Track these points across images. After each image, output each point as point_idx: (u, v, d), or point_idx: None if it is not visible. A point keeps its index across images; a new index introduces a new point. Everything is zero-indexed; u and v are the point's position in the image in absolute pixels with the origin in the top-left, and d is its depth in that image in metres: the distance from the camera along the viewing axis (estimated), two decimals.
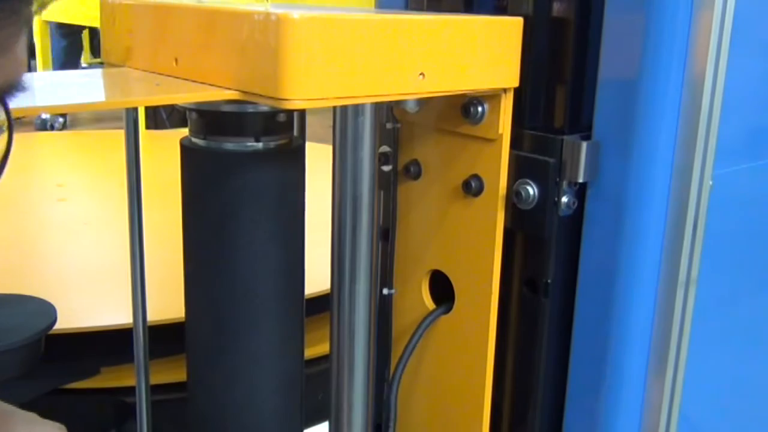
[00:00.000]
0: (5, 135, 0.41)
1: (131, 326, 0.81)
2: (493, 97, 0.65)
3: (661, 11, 0.61)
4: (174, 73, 0.61)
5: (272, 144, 0.66)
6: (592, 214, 0.67)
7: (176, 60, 0.61)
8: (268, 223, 0.67)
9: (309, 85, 0.52)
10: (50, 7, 3.80)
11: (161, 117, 4.07)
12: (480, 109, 0.66)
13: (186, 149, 0.67)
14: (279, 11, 0.52)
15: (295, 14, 0.51)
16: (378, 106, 0.65)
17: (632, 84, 0.62)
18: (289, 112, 0.67)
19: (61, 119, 4.15)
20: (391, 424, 0.80)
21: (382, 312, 0.78)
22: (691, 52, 0.62)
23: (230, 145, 0.65)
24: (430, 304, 0.76)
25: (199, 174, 0.67)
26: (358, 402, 0.71)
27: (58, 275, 1.54)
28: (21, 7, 0.36)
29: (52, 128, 4.04)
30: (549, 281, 0.69)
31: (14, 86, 0.39)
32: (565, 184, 0.66)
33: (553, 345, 0.71)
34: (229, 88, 0.56)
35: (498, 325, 0.70)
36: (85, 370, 1.23)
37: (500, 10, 0.70)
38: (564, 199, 0.66)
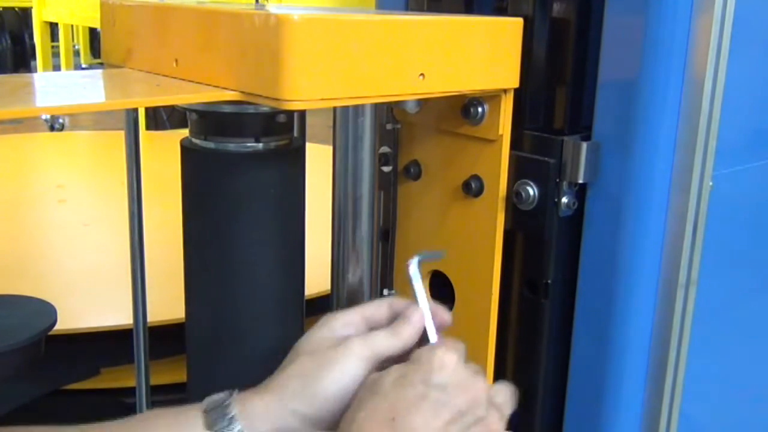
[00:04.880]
0: None
1: (131, 326, 0.81)
2: (493, 97, 0.65)
3: (661, 12, 0.61)
4: (174, 73, 0.61)
5: (272, 144, 0.66)
6: (592, 215, 0.67)
7: (176, 61, 0.61)
8: (268, 223, 0.67)
9: (309, 85, 0.52)
10: (51, 8, 3.80)
11: (161, 118, 4.08)
12: (480, 109, 0.66)
13: (186, 150, 0.67)
14: (279, 12, 0.52)
15: (295, 15, 0.51)
16: (378, 107, 0.65)
17: (632, 85, 0.62)
18: (289, 113, 0.67)
19: (61, 120, 4.15)
20: None
21: None
22: (691, 52, 0.62)
23: (230, 145, 0.65)
24: None
25: (200, 174, 0.67)
26: None
27: (58, 276, 1.54)
28: None
29: (53, 129, 4.05)
30: (549, 282, 0.69)
31: None
32: (565, 184, 0.66)
33: (553, 345, 0.71)
34: (229, 89, 0.56)
35: (498, 325, 0.70)
36: (85, 370, 1.23)
37: (500, 10, 0.70)
38: (564, 200, 0.66)
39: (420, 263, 0.58)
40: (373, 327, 0.57)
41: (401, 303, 0.58)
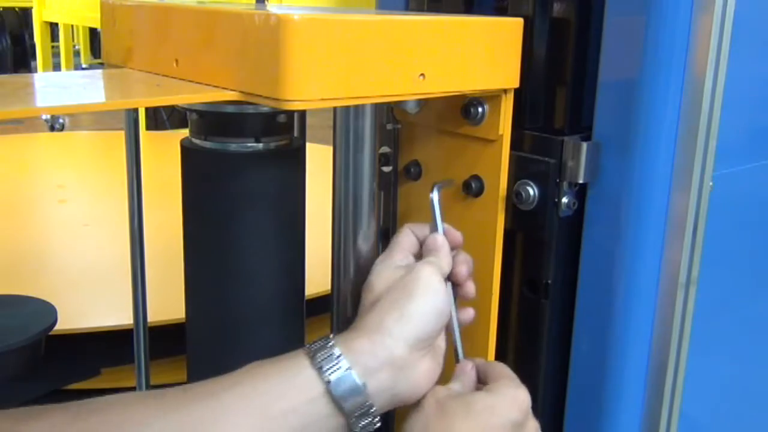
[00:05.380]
0: None
1: (131, 326, 0.81)
2: (493, 97, 0.65)
3: (662, 12, 0.61)
4: (174, 73, 0.61)
5: (272, 145, 0.66)
6: (592, 215, 0.67)
7: (176, 61, 0.61)
8: (269, 223, 0.67)
9: (309, 85, 0.52)
10: (51, 8, 3.81)
11: (162, 118, 4.08)
12: (480, 109, 0.66)
13: (186, 150, 0.67)
14: (279, 12, 0.52)
15: (296, 15, 0.51)
16: (378, 107, 0.65)
17: (632, 85, 0.62)
18: (290, 113, 0.67)
19: (61, 120, 4.15)
20: (391, 424, 0.80)
21: None
22: (691, 52, 0.62)
23: (230, 145, 0.65)
24: None
25: (200, 175, 0.67)
26: None
27: (58, 276, 1.54)
28: None
29: (53, 129, 4.05)
30: (549, 282, 0.69)
31: None
32: (565, 184, 0.66)
33: (554, 345, 0.71)
34: (230, 89, 0.56)
35: (498, 325, 0.70)
36: (86, 370, 1.23)
37: (500, 10, 0.70)
38: (564, 200, 0.66)
39: (440, 190, 0.65)
40: (413, 253, 0.64)
41: (420, 228, 0.65)
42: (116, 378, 1.22)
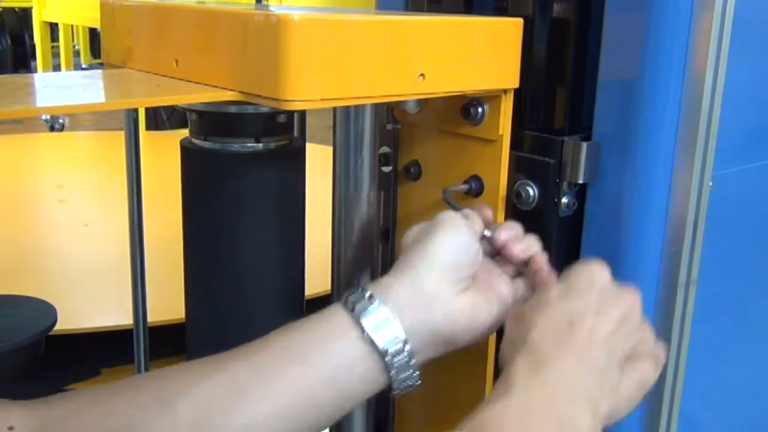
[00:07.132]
0: None
1: (131, 327, 0.81)
2: (493, 98, 0.65)
3: (662, 12, 0.61)
4: (174, 74, 0.61)
5: (272, 145, 0.66)
6: (592, 215, 0.67)
7: (176, 61, 0.61)
8: (269, 223, 0.67)
9: (309, 86, 0.52)
10: (51, 8, 3.81)
11: (161, 118, 4.08)
12: (480, 110, 0.66)
13: (186, 150, 0.67)
14: (279, 12, 0.52)
15: (295, 15, 0.51)
16: (378, 107, 0.65)
17: (632, 84, 0.62)
18: (289, 113, 0.67)
19: (61, 120, 4.15)
20: (391, 424, 0.80)
21: None
22: (691, 52, 0.62)
23: (230, 145, 0.65)
24: None
25: (200, 175, 0.67)
26: None
27: (58, 276, 1.54)
28: None
29: (53, 129, 4.05)
30: None
31: None
32: (565, 184, 0.66)
33: None
34: (229, 89, 0.56)
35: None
36: (86, 371, 1.23)
37: (500, 10, 0.70)
38: (564, 200, 0.66)
39: (450, 195, 0.66)
40: None
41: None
42: (116, 378, 1.21)
